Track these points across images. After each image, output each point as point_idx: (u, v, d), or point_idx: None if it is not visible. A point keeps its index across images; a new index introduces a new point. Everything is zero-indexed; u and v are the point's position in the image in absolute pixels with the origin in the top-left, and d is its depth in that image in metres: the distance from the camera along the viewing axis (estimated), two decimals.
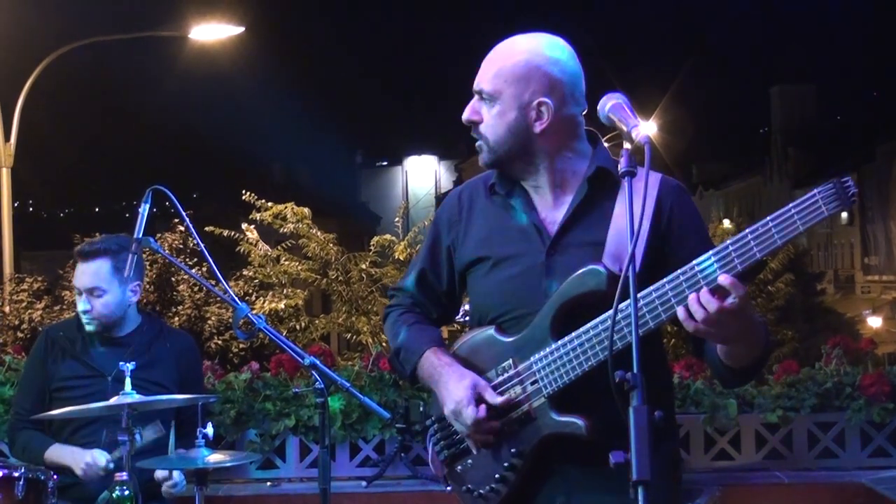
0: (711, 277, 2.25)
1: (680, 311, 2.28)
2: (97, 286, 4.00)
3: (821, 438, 4.98)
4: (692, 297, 2.25)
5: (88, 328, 4.05)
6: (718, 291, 2.23)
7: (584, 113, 2.62)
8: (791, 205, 2.18)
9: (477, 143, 2.63)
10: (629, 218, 2.14)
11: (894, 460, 4.94)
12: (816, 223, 2.17)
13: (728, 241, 2.25)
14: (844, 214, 49.70)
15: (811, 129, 53.37)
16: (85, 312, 4.02)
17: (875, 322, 34.93)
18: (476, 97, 2.63)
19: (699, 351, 2.57)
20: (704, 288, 2.25)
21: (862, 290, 46.07)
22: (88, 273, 4.02)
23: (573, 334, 2.45)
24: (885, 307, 40.11)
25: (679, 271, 2.30)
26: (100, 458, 3.79)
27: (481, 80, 2.61)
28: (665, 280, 2.31)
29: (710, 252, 2.27)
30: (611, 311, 2.37)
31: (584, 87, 2.61)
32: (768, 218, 2.20)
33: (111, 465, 3.76)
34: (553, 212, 2.61)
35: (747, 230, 2.23)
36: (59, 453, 3.91)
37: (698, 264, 2.27)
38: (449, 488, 2.77)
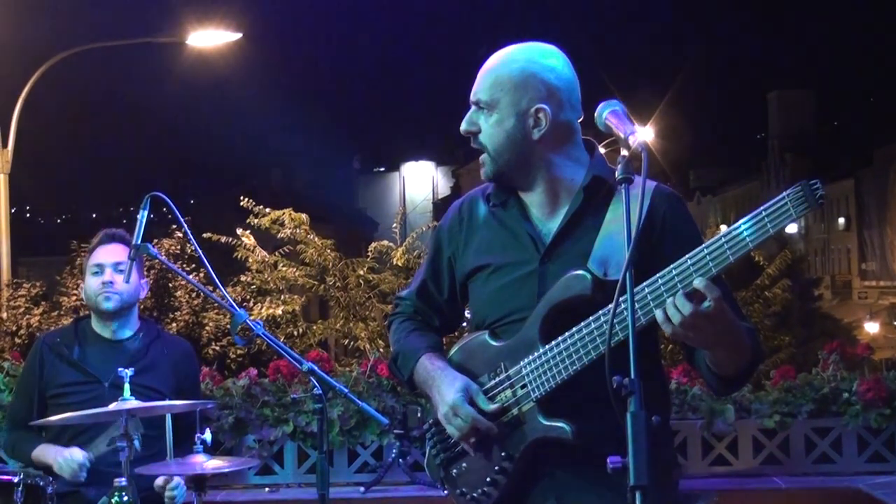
0: (688, 281, 2.27)
1: (658, 314, 2.30)
2: (125, 261, 4.02)
3: (818, 444, 4.99)
4: (669, 300, 2.28)
5: (107, 305, 4.06)
6: (694, 295, 2.26)
7: (580, 120, 2.65)
8: (762, 207, 2.21)
9: (481, 157, 2.66)
10: (626, 224, 2.16)
11: (891, 465, 4.95)
12: (786, 225, 2.20)
13: (703, 245, 2.29)
14: (842, 220, 49.79)
15: (808, 135, 53.44)
16: (108, 284, 4.04)
17: (872, 328, 34.95)
18: (473, 108, 2.66)
19: (691, 358, 2.59)
20: (680, 291, 2.27)
21: (859, 295, 46.08)
22: (117, 251, 4.09)
23: (559, 339, 2.49)
24: (883, 313, 40.09)
25: (658, 275, 2.33)
26: (76, 454, 3.80)
27: (478, 89, 2.64)
28: (644, 284, 2.34)
29: (686, 256, 2.30)
30: (593, 317, 2.42)
31: (579, 95, 2.65)
32: (741, 221, 2.24)
33: (87, 463, 3.77)
34: (548, 221, 2.64)
35: (721, 234, 2.27)
36: (44, 452, 3.94)
37: (675, 268, 2.31)
38: (445, 492, 2.79)
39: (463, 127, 2.67)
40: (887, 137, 43.69)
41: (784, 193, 2.18)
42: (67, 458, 3.79)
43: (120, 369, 3.61)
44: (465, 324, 3.11)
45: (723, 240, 2.26)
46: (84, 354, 4.09)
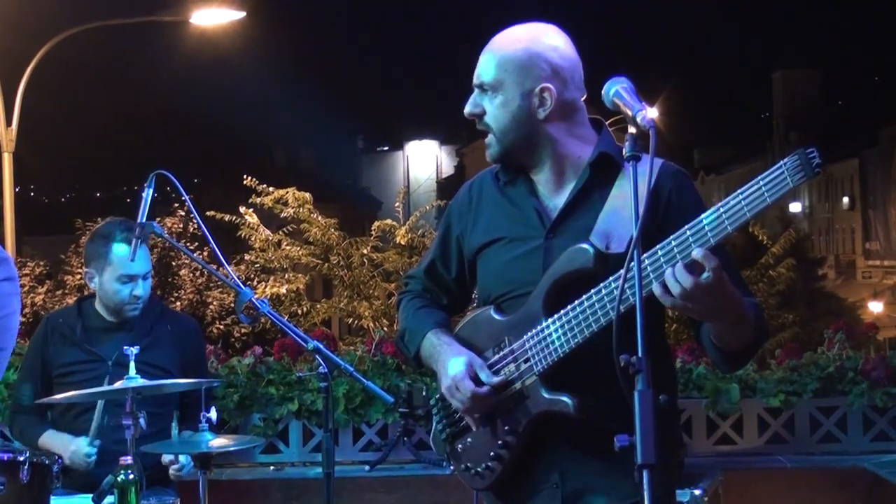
0: (686, 252, 2.26)
1: (656, 288, 2.29)
2: (149, 270, 4.03)
3: (823, 423, 4.99)
4: (668, 271, 2.27)
5: (133, 314, 4.04)
6: (694, 266, 2.25)
7: (583, 99, 2.64)
8: (759, 177, 2.19)
9: (487, 138, 2.65)
10: (634, 202, 2.16)
11: None
12: (783, 194, 2.18)
13: (702, 216, 2.27)
14: (846, 199, 49.72)
15: (814, 114, 53.29)
16: (139, 298, 4.02)
17: (876, 307, 34.92)
18: (476, 90, 2.65)
19: (698, 335, 2.59)
20: (679, 262, 2.26)
21: (863, 275, 46.04)
22: (143, 258, 3.98)
23: (561, 312, 2.48)
24: (886, 292, 40.07)
25: (658, 246, 2.32)
26: (82, 446, 3.81)
27: (482, 71, 2.63)
28: (645, 255, 2.32)
29: (686, 227, 2.29)
30: (594, 290, 2.42)
31: (582, 74, 2.64)
32: (738, 191, 2.22)
33: (94, 450, 3.78)
34: (555, 197, 2.64)
35: (720, 205, 2.25)
36: (51, 441, 3.96)
37: (674, 239, 2.30)
38: (451, 468, 2.80)
39: (467, 110, 2.67)
40: (892, 117, 43.56)
41: (781, 162, 2.16)
42: (74, 453, 3.81)
43: (125, 347, 3.61)
44: (473, 304, 3.11)
45: (721, 210, 2.24)
46: (87, 334, 4.08)
